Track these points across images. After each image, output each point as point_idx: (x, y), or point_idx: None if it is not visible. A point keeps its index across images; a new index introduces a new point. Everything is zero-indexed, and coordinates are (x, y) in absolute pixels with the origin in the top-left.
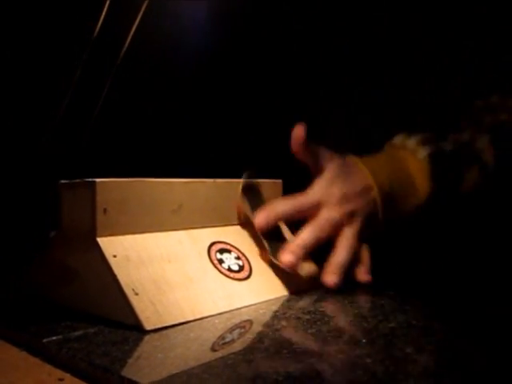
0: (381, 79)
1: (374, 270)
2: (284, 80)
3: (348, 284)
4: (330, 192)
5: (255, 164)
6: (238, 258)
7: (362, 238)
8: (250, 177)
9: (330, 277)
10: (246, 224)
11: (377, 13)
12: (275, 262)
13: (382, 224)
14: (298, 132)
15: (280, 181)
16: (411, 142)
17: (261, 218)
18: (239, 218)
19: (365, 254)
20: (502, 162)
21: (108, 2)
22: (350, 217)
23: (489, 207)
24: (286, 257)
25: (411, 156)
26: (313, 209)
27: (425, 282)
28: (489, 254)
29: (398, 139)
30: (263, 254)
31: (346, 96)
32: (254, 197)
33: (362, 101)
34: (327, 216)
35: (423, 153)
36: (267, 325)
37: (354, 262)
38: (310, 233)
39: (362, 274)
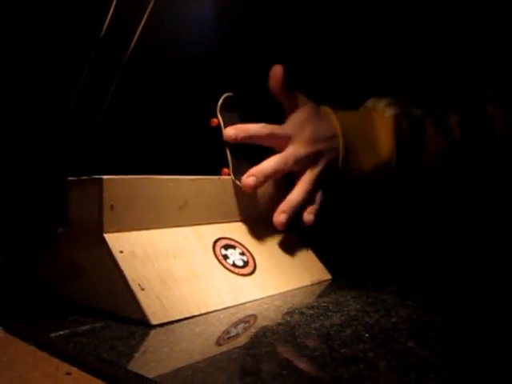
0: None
1: (375, 266)
2: (289, 77)
3: (351, 280)
4: (301, 130)
5: (260, 156)
6: (242, 253)
7: (319, 183)
8: (230, 97)
9: (280, 216)
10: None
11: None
12: (235, 181)
13: (341, 174)
14: (277, 70)
15: (283, 179)
16: (381, 103)
17: (231, 131)
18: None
19: (318, 197)
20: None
21: (115, 2)
22: (313, 158)
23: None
24: (247, 180)
25: (379, 115)
26: (283, 140)
27: (425, 277)
28: (488, 249)
29: (370, 101)
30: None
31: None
32: (231, 115)
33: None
34: (294, 151)
35: (390, 112)
36: (271, 319)
37: (307, 204)
38: (273, 162)
39: (307, 214)
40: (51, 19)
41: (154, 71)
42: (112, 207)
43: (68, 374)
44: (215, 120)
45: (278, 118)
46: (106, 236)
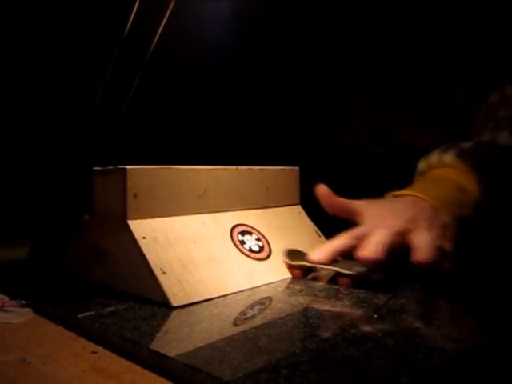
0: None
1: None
2: (305, 75)
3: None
4: (382, 216)
5: (274, 151)
6: (258, 239)
7: (437, 235)
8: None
9: (416, 255)
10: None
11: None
12: (349, 272)
13: (454, 225)
14: (322, 191)
15: (297, 168)
16: (433, 158)
17: (317, 253)
18: (292, 276)
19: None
20: None
21: (137, 3)
22: (412, 222)
23: None
24: (365, 251)
25: (443, 169)
26: (369, 234)
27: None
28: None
29: (421, 165)
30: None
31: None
32: (297, 255)
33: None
34: (389, 224)
35: (449, 157)
36: (285, 301)
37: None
38: (379, 233)
39: (445, 263)
40: (78, 18)
41: (174, 68)
42: (135, 195)
43: (94, 352)
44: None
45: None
46: (130, 223)
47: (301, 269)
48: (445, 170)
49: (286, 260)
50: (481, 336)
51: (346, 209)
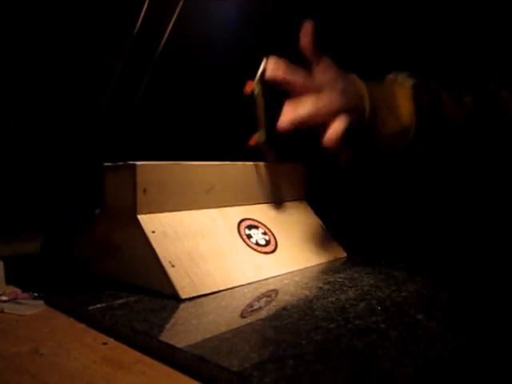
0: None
1: (387, 245)
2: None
3: (364, 257)
4: (333, 84)
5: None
6: (264, 233)
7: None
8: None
9: (331, 135)
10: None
11: None
12: (264, 148)
13: (365, 133)
14: (307, 27)
15: (302, 164)
16: (401, 75)
17: (272, 64)
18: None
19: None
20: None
21: (147, 2)
22: (344, 111)
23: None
24: (283, 121)
25: (399, 86)
26: (315, 89)
27: (434, 255)
28: (497, 228)
29: (390, 75)
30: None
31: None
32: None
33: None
34: (329, 101)
35: (410, 82)
36: (291, 294)
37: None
38: (308, 108)
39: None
40: (89, 17)
41: (183, 65)
42: (145, 190)
43: (104, 344)
44: (250, 84)
45: None
46: (140, 217)
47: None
48: (398, 89)
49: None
50: (481, 327)
51: (314, 53)
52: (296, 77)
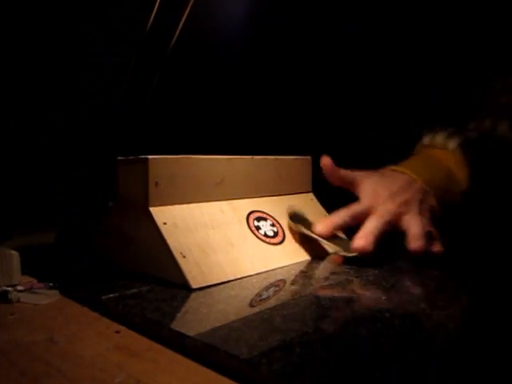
0: (392, 79)
1: (392, 236)
2: (319, 68)
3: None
4: (377, 195)
5: (288, 141)
6: (273, 225)
7: (426, 219)
8: (293, 211)
9: (413, 243)
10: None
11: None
12: (346, 254)
13: (438, 209)
14: (325, 162)
15: (309, 157)
16: (439, 138)
17: (320, 226)
18: (294, 239)
19: (434, 232)
20: None
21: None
22: (405, 206)
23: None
24: (360, 241)
25: (442, 151)
26: (367, 214)
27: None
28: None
29: (426, 139)
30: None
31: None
32: (302, 220)
33: (378, 103)
34: (384, 208)
35: (453, 144)
36: (298, 284)
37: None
38: (373, 220)
39: (435, 247)
40: (105, 17)
41: (194, 61)
42: (156, 184)
43: (117, 332)
44: (297, 232)
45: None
46: (151, 209)
47: (300, 234)
48: (444, 154)
49: (291, 224)
50: (484, 317)
51: (345, 178)
52: (343, 220)
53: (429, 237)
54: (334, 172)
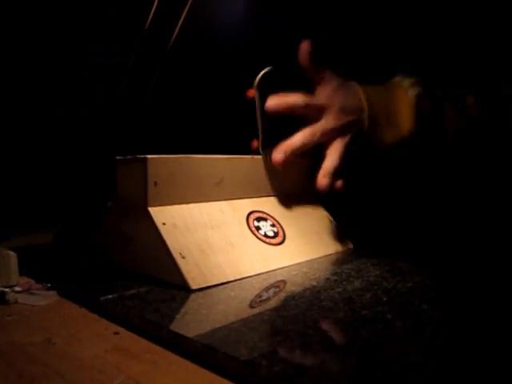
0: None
1: (393, 236)
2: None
3: (371, 249)
4: (333, 100)
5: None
6: (273, 225)
7: (346, 152)
8: (269, 72)
9: (322, 181)
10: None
11: None
12: (263, 155)
13: (364, 145)
14: (305, 46)
15: (309, 157)
16: (406, 81)
17: (272, 102)
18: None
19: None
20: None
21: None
22: (342, 129)
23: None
24: (277, 156)
25: (403, 92)
26: (316, 110)
27: (439, 246)
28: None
29: (396, 78)
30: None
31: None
32: (267, 90)
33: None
34: (324, 125)
35: (413, 92)
36: (299, 284)
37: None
38: (301, 136)
39: (337, 184)
40: (103, 16)
41: (193, 60)
42: (155, 183)
43: (116, 333)
44: (252, 92)
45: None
46: (150, 209)
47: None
48: (402, 95)
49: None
50: (485, 317)
51: (314, 68)
52: (296, 102)
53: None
54: (308, 56)
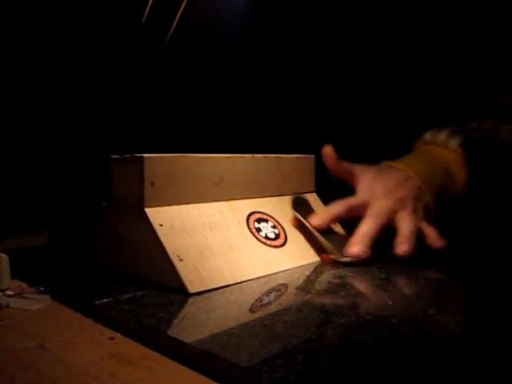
0: (401, 78)
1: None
2: (317, 63)
3: (375, 251)
4: (373, 190)
5: (290, 139)
6: (274, 226)
7: (419, 218)
8: (297, 197)
9: (400, 248)
10: (301, 229)
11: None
12: (341, 259)
13: (432, 206)
14: (327, 151)
15: (312, 156)
16: (441, 136)
17: (316, 219)
18: (295, 227)
19: (429, 228)
20: None
21: None
22: (400, 203)
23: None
24: (355, 248)
25: (443, 148)
26: (363, 208)
27: (446, 249)
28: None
29: (427, 135)
30: (323, 254)
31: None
32: (303, 208)
33: (385, 101)
34: (379, 206)
35: (455, 143)
36: (301, 288)
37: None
38: (369, 223)
39: (433, 242)
40: (100, 11)
41: (191, 57)
42: (152, 183)
43: (111, 339)
44: (295, 219)
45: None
46: (147, 210)
47: (298, 222)
48: (445, 152)
49: (291, 209)
50: (493, 322)
51: (344, 169)
52: (339, 211)
53: (417, 235)
54: (335, 161)
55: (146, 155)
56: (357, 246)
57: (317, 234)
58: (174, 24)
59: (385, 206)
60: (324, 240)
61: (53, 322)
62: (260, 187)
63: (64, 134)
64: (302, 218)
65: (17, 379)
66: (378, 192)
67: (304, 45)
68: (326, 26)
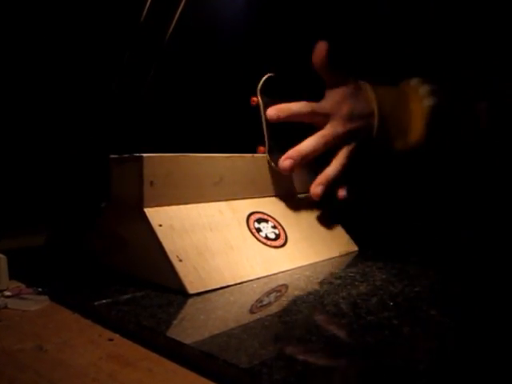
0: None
1: (400, 239)
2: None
3: (376, 251)
4: (339, 107)
5: (290, 139)
6: (274, 227)
7: (353, 159)
8: (271, 78)
9: (317, 188)
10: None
11: None
12: (271, 164)
13: (372, 151)
14: (321, 47)
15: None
16: (423, 89)
17: (273, 111)
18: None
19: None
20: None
21: None
22: (349, 136)
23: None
24: (285, 162)
25: (418, 101)
26: (322, 118)
27: (447, 249)
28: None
29: (414, 81)
30: (261, 147)
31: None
32: (271, 95)
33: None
34: (332, 130)
35: (429, 102)
36: (301, 289)
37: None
38: (311, 142)
39: (341, 190)
40: (99, 10)
41: (190, 56)
42: (152, 183)
43: (110, 340)
44: (255, 99)
45: (317, 96)
46: (146, 210)
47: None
48: (417, 101)
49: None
50: (495, 323)
51: (327, 72)
52: (301, 110)
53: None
54: (323, 58)
55: (145, 155)
56: (288, 160)
57: (265, 125)
58: (173, 23)
59: (337, 133)
60: (268, 138)
61: (51, 322)
62: (260, 187)
63: (63, 133)
64: (261, 104)
65: (15, 381)
66: (342, 111)
67: (304, 45)
68: (326, 26)
